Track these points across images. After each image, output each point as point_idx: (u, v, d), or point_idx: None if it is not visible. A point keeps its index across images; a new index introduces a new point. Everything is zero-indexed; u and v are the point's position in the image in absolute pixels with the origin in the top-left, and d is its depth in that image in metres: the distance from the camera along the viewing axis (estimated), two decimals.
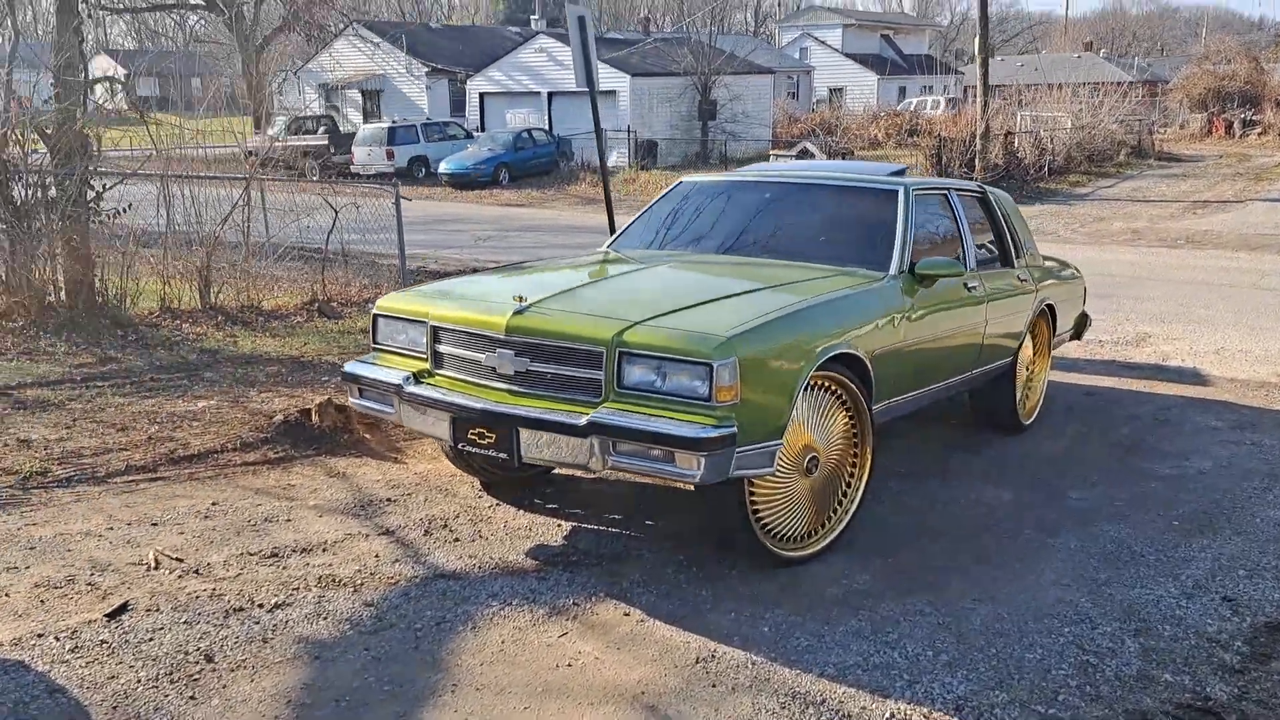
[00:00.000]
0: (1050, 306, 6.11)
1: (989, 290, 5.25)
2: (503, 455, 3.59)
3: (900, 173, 5.39)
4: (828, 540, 4.03)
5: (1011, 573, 3.99)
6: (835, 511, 4.09)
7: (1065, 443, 5.84)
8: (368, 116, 36.92)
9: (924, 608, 3.62)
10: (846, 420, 4.06)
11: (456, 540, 3.99)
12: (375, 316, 4.15)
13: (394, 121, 30.43)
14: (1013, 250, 5.71)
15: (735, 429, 3.34)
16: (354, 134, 30.87)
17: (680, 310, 3.71)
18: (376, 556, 3.79)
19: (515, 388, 3.66)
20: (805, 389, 3.80)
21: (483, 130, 32.57)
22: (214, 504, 4.28)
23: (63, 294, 7.60)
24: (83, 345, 6.89)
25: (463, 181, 26.36)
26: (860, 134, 22.69)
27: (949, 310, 4.83)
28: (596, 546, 4.01)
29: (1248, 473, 5.28)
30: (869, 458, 4.17)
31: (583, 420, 3.42)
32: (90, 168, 7.61)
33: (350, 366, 4.14)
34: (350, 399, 4.16)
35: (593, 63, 9.62)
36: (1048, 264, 6.34)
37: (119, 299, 7.69)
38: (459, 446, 3.72)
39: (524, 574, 3.70)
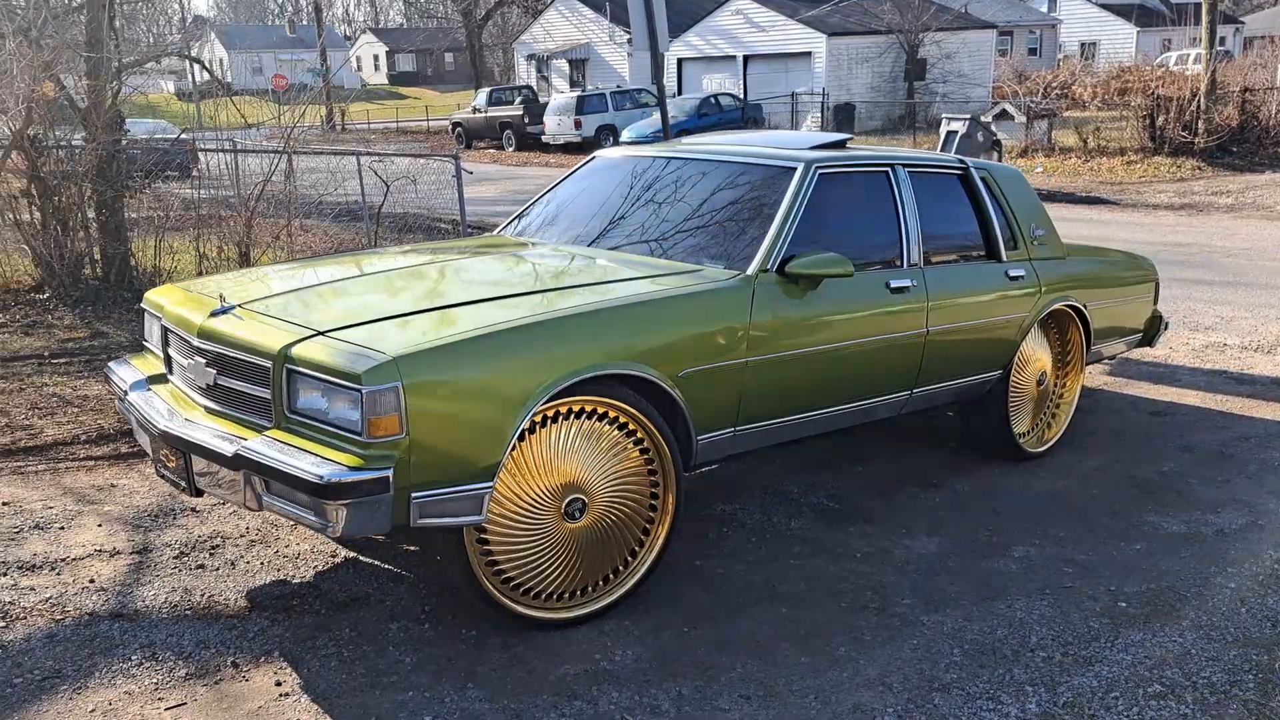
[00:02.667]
0: (1077, 309, 4.93)
1: (941, 290, 4.24)
2: (183, 484, 3.12)
3: (836, 144, 4.43)
4: (607, 600, 3.31)
5: (827, 661, 3.12)
6: (623, 566, 3.35)
7: (1073, 480, 4.71)
8: (573, 86, 37.33)
9: (664, 703, 2.86)
10: (640, 456, 3.31)
11: (199, 568, 3.58)
12: (140, 309, 3.78)
13: (583, 90, 30.50)
14: (1001, 241, 4.61)
15: (391, 471, 2.70)
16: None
17: (386, 319, 3.08)
18: (91, 581, 3.44)
19: (210, 404, 3.18)
20: (562, 418, 3.10)
21: (680, 96, 32.08)
22: (5, 503, 4.09)
23: (99, 268, 7.82)
24: (91, 319, 7.03)
25: None
26: (1068, 94, 20.33)
27: (854, 316, 3.91)
28: (344, 586, 3.47)
29: (1275, 535, 4.02)
30: (671, 501, 3.39)
31: (231, 450, 2.89)
32: (123, 143, 7.74)
33: (113, 363, 3.79)
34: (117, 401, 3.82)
35: (656, 18, 8.90)
36: (1077, 257, 5.14)
37: (153, 271, 7.82)
38: (156, 469, 3.28)
39: (216, 619, 3.23)
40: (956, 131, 16.63)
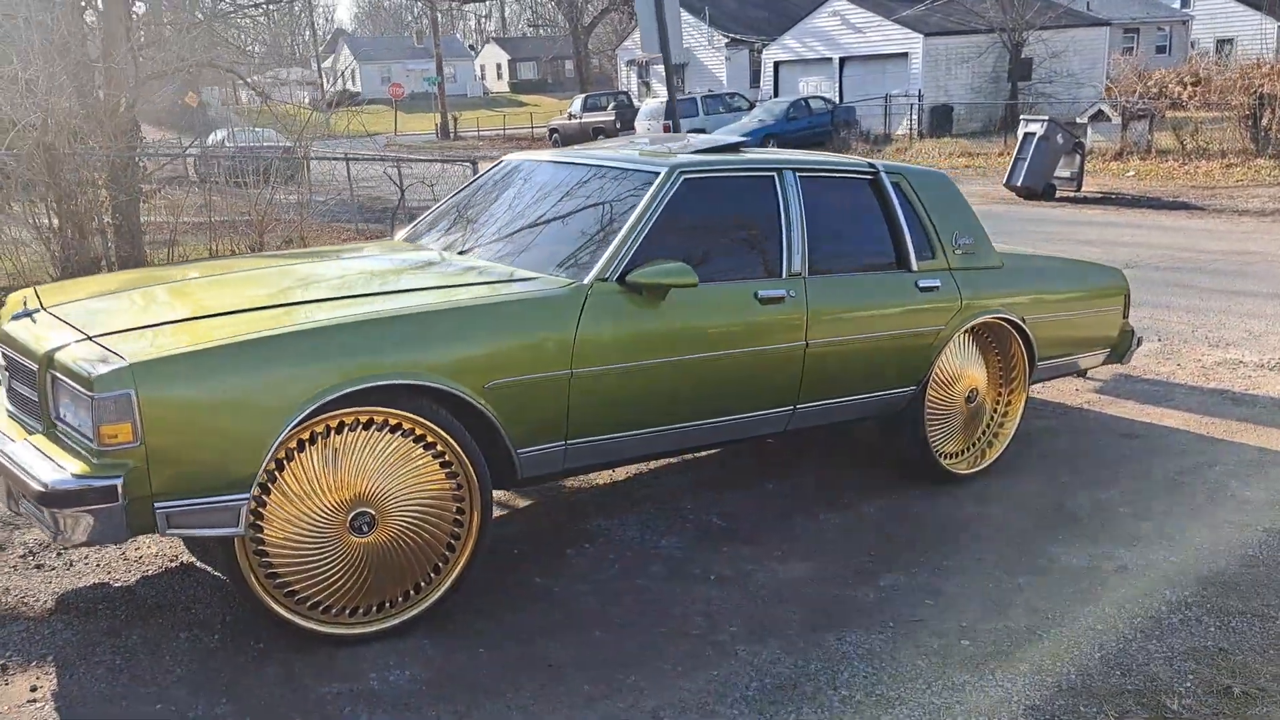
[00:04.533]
0: (1013, 323, 4.61)
1: (826, 301, 4.01)
2: None
3: (727, 148, 4.24)
4: (405, 617, 3.22)
5: (611, 690, 2.96)
6: (425, 583, 3.26)
7: (995, 505, 4.40)
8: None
9: None
10: (442, 471, 3.21)
11: (37, 568, 3.64)
12: None
13: (681, 95, 30.43)
14: (912, 250, 4.33)
15: (121, 480, 2.68)
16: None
17: (165, 324, 3.08)
18: None
19: (11, 408, 3.22)
20: (347, 429, 3.03)
21: (768, 100, 31.70)
22: None
23: (115, 269, 8.14)
24: None
25: None
26: (1166, 93, 19.20)
27: (710, 328, 3.72)
28: (161, 592, 3.47)
29: (1181, 574, 3.64)
30: (477, 518, 3.27)
31: None
32: (138, 149, 8.05)
33: None
34: None
35: (669, 26, 8.75)
36: (1019, 267, 4.79)
37: None
38: None
39: (17, 619, 3.26)
40: (1034, 134, 15.87)
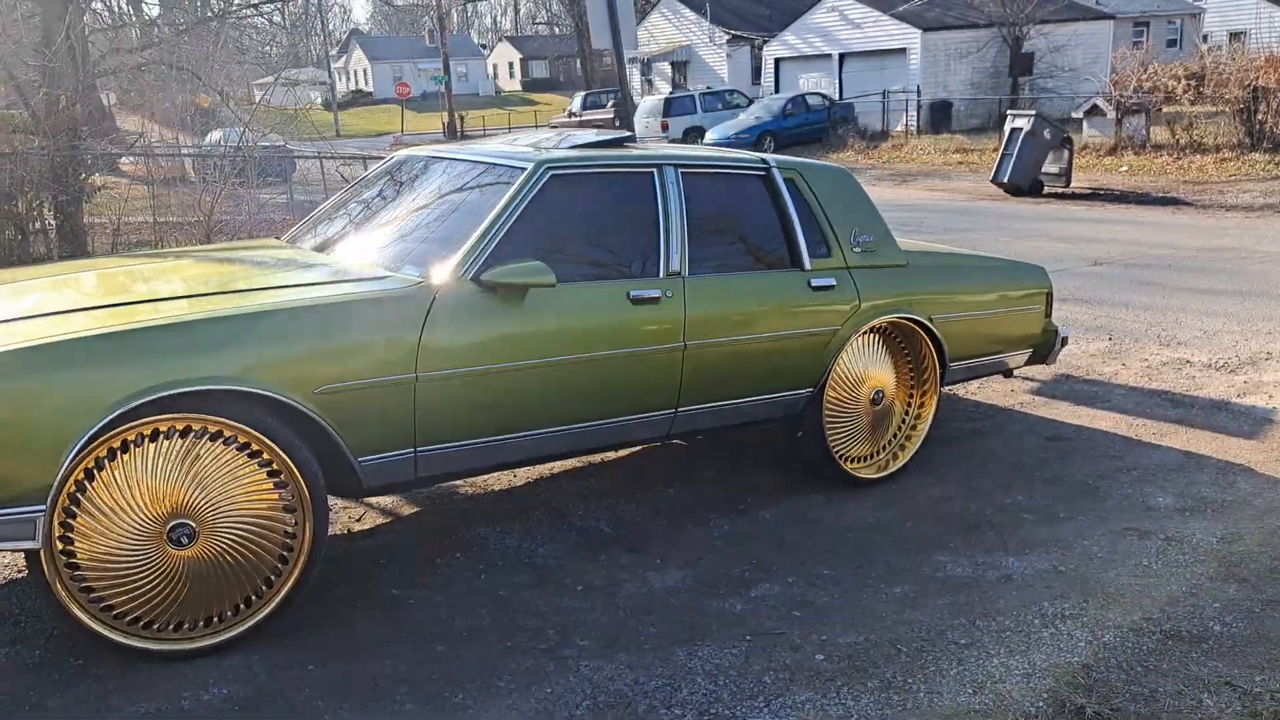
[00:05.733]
0: (919, 323, 4.44)
1: (706, 301, 3.86)
2: None
3: (611, 143, 4.09)
4: (233, 633, 3.08)
5: (437, 709, 2.82)
6: (257, 596, 3.13)
7: (896, 511, 4.24)
8: (674, 88, 37.16)
9: None
10: (269, 480, 3.08)
11: None
12: None
13: (670, 93, 30.28)
14: (805, 247, 4.18)
15: None
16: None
17: None
18: None
19: None
20: (162, 436, 2.91)
21: (765, 97, 31.51)
22: None
23: None
24: None
25: None
26: (1160, 87, 18.85)
27: (575, 329, 3.58)
28: (5, 603, 3.37)
29: (1067, 584, 3.48)
30: (310, 528, 3.14)
31: None
32: (79, 148, 7.97)
33: None
34: None
35: (620, 15, 8.58)
36: (927, 265, 4.63)
37: None
38: None
39: None
40: (1021, 129, 15.64)
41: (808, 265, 4.17)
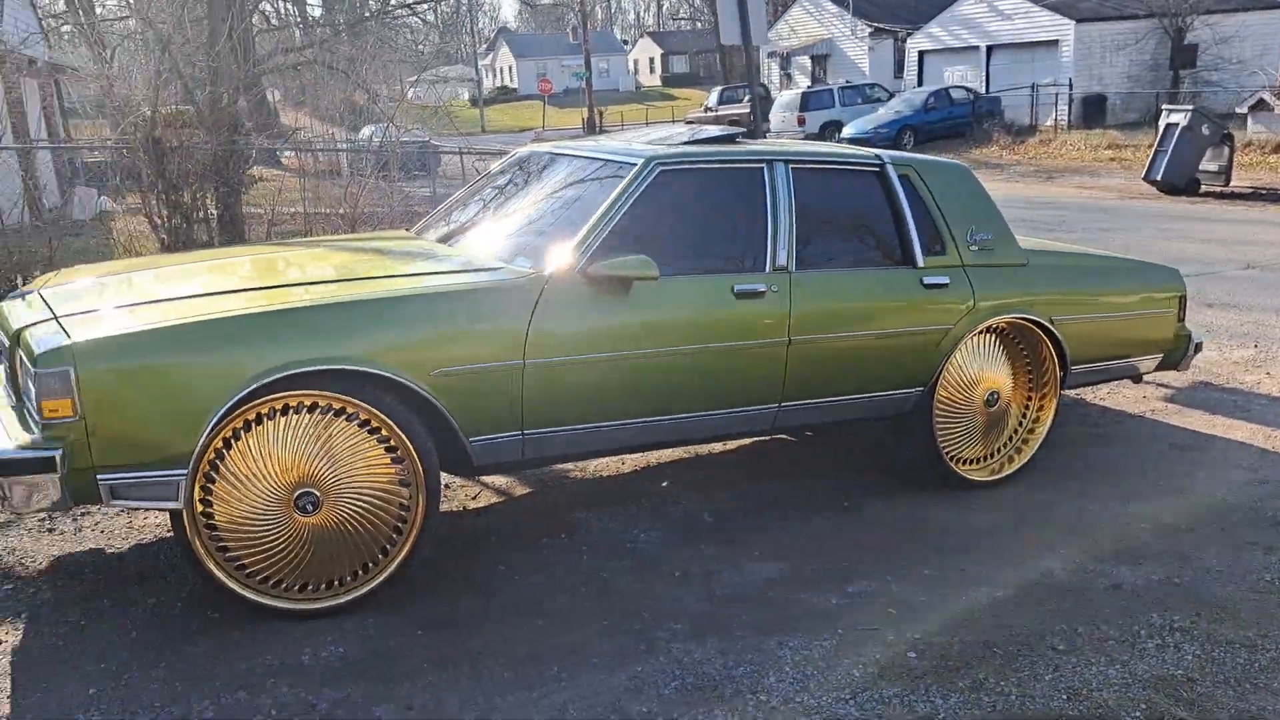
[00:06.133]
0: (1039, 324, 4.35)
1: (812, 297, 3.89)
2: None
3: (723, 139, 4.15)
4: (351, 596, 3.30)
5: (530, 681, 2.96)
6: (373, 564, 3.34)
7: (1005, 515, 4.18)
8: (814, 82, 36.75)
9: (323, 705, 2.83)
10: (388, 456, 3.28)
11: (49, 530, 3.90)
12: None
13: (808, 87, 29.95)
14: (918, 245, 4.14)
15: (59, 451, 2.85)
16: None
17: (126, 306, 3.25)
18: None
19: (6, 383, 3.47)
20: (292, 411, 3.13)
21: (908, 91, 30.79)
22: None
23: None
24: None
25: (863, 146, 25.19)
26: None
27: (677, 321, 3.67)
28: (152, 562, 3.66)
29: (1179, 596, 3.36)
30: (422, 502, 3.33)
31: None
32: (239, 143, 8.51)
33: None
34: None
35: (750, 7, 8.59)
36: (1049, 265, 4.52)
37: None
38: None
39: (7, 578, 3.53)
40: (1176, 125, 14.87)
41: (920, 263, 4.14)
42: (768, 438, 5.04)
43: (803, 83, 37.43)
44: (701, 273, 3.77)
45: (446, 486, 4.34)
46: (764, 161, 3.97)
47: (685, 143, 4.04)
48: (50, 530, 3.92)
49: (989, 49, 29.87)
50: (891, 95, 29.07)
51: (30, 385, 2.96)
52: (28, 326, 3.13)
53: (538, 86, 54.54)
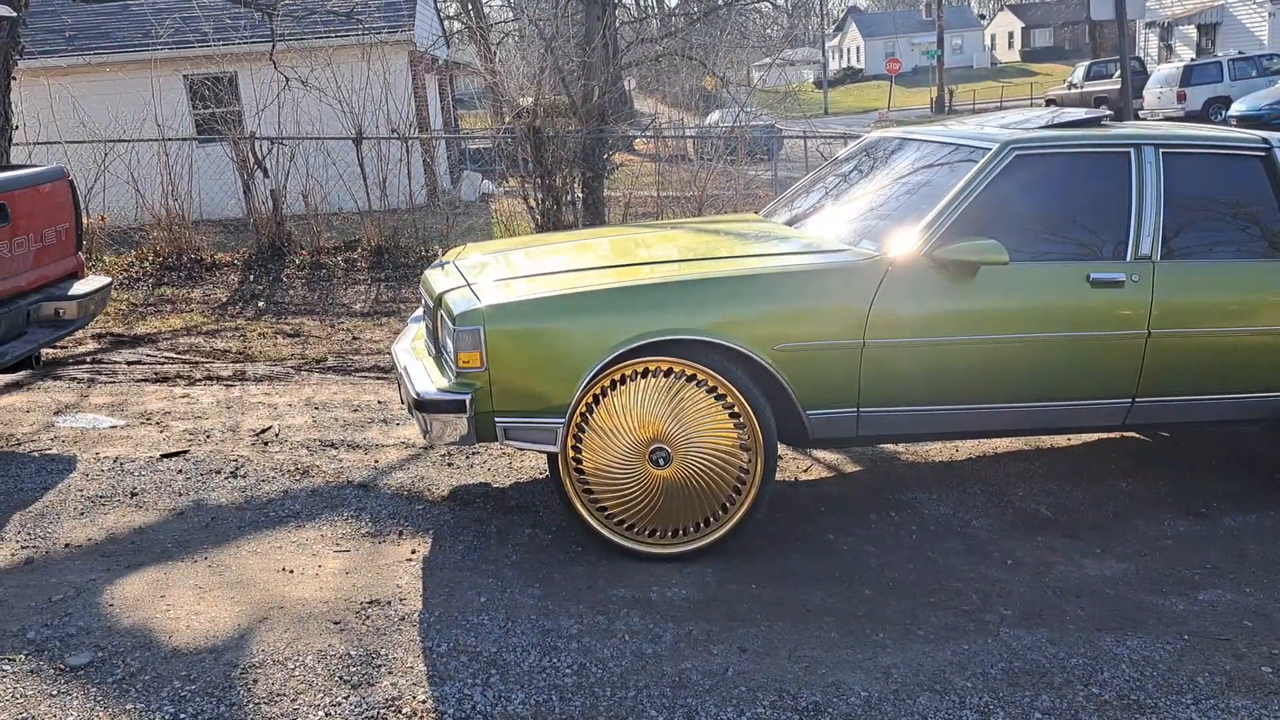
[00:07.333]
0: None
1: (1179, 288, 3.71)
2: None
3: (1085, 123, 4.01)
4: (694, 545, 3.61)
5: (856, 641, 3.13)
6: (714, 518, 3.63)
7: None
8: (1200, 54, 33.22)
9: (667, 636, 3.17)
10: (730, 420, 3.56)
11: (449, 465, 4.54)
12: None
13: (1191, 59, 27.03)
14: None
15: (469, 396, 3.39)
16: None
17: (526, 277, 3.76)
18: (375, 462, 4.60)
19: (426, 337, 4.11)
20: (652, 375, 3.50)
21: None
22: (380, 401, 5.51)
23: None
24: None
25: (1254, 126, 22.46)
26: None
27: (1024, 308, 3.65)
28: (525, 495, 4.22)
29: None
30: (761, 466, 3.57)
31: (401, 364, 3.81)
32: (605, 132, 9.24)
33: None
34: None
35: None
36: None
37: None
38: None
39: (418, 500, 4.15)
40: None
41: None
42: (1118, 435, 4.84)
43: (1186, 55, 33.89)
44: (1054, 259, 3.72)
45: (780, 459, 4.58)
46: (1131, 145, 3.83)
47: (1044, 126, 3.97)
48: (450, 465, 4.60)
49: None
50: None
51: (449, 340, 3.53)
52: (448, 291, 3.72)
53: (885, 66, 53.43)
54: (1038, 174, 3.77)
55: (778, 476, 4.38)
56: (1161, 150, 3.83)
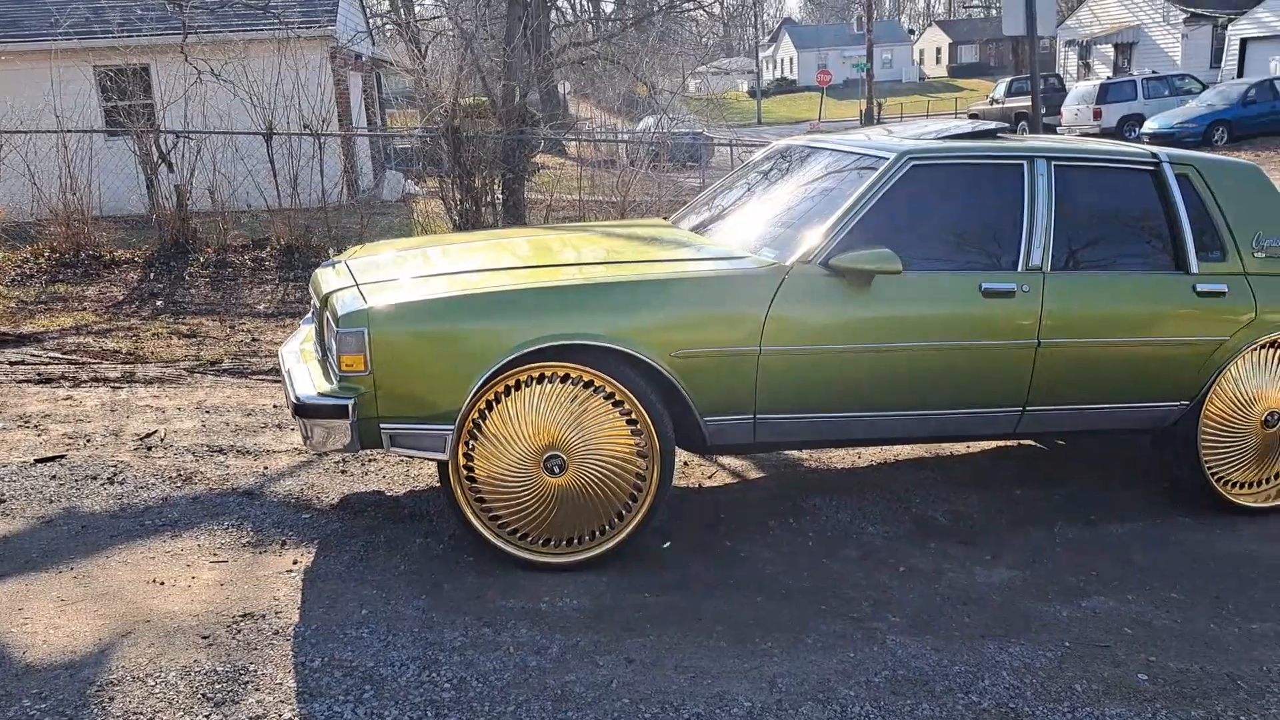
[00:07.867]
0: None
1: (1066, 298, 3.76)
2: None
3: (983, 134, 4.05)
4: (589, 555, 3.55)
5: (746, 652, 3.10)
6: (610, 526, 3.58)
7: (1274, 546, 3.87)
8: (1117, 73, 34.25)
9: (553, 648, 3.10)
10: (628, 427, 3.51)
11: (342, 473, 4.42)
12: None
13: (1107, 77, 27.86)
14: (1192, 250, 3.89)
15: (352, 401, 3.28)
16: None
17: (419, 278, 3.65)
18: (264, 469, 4.46)
19: (315, 339, 3.99)
20: (547, 380, 3.42)
21: (1225, 82, 28.01)
22: (275, 405, 5.36)
23: None
24: None
25: (1165, 143, 23.20)
26: None
27: (917, 317, 3.66)
28: (420, 505, 4.12)
29: None
30: (657, 473, 3.52)
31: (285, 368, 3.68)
32: (526, 133, 9.15)
33: None
34: None
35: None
36: None
37: None
38: None
39: (305, 509, 4.02)
40: None
41: (1195, 269, 3.89)
42: (1016, 444, 4.90)
43: (1103, 73, 34.92)
44: (949, 269, 3.74)
45: (685, 464, 4.55)
46: (1024, 158, 3.87)
47: (943, 137, 4.00)
48: (343, 472, 4.47)
49: None
50: (1205, 88, 26.55)
51: (332, 342, 3.42)
52: (335, 291, 3.61)
53: (816, 78, 54.08)
54: (934, 184, 3.79)
55: (681, 484, 4.36)
56: (1054, 163, 3.87)
